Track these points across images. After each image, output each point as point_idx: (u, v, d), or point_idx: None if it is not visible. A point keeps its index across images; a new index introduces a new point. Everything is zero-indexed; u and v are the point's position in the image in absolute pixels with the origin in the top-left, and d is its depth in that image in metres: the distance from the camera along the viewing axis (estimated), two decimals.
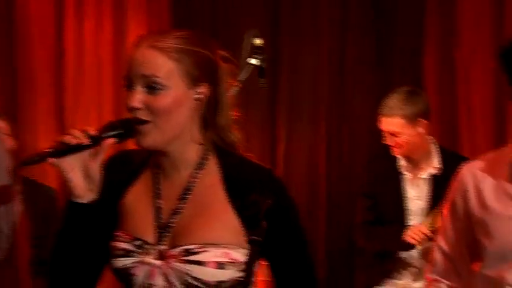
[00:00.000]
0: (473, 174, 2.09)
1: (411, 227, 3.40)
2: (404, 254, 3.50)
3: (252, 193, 1.70)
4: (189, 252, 1.68)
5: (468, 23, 4.32)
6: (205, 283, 1.66)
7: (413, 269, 3.51)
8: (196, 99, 1.74)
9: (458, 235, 2.14)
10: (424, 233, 3.33)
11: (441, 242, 2.21)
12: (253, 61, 3.12)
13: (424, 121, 3.47)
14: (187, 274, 1.67)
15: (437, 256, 2.22)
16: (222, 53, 1.79)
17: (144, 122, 1.69)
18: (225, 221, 1.70)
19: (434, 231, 3.23)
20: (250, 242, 1.69)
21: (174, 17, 4.39)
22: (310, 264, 1.84)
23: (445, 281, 2.20)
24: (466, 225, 2.09)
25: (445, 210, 2.19)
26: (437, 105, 4.17)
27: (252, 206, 1.69)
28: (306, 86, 4.65)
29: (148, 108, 1.69)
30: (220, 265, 1.66)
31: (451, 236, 2.16)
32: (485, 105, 4.25)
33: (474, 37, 4.29)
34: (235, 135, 1.80)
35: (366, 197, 3.61)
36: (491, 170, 2.06)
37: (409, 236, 3.37)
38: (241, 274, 1.69)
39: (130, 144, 1.77)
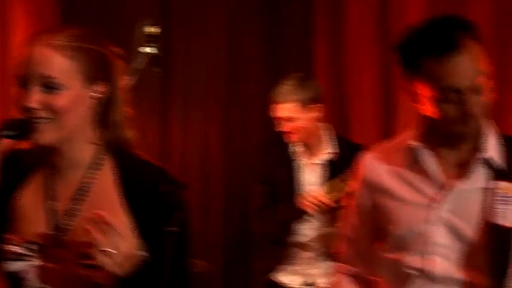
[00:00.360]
0: (372, 163, 2.14)
1: (306, 194, 3.43)
2: (300, 239, 3.54)
3: (161, 185, 1.68)
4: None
5: (355, 11, 4.40)
6: None
7: (309, 254, 3.55)
8: (93, 98, 1.71)
9: (363, 223, 2.18)
10: (320, 200, 3.36)
11: (347, 230, 2.25)
12: (148, 50, 3.07)
13: (317, 105, 3.52)
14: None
15: (343, 244, 2.26)
16: (116, 49, 1.78)
17: (42, 120, 1.65)
18: (120, 224, 1.65)
19: (333, 198, 3.30)
20: (166, 234, 1.65)
21: (62, 2, 4.26)
22: (189, 270, 1.81)
23: (353, 268, 2.24)
24: (370, 212, 2.14)
25: (348, 199, 2.23)
26: (328, 95, 4.22)
27: (165, 197, 1.66)
28: (199, 77, 4.63)
29: (46, 107, 1.65)
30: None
31: (356, 224, 2.20)
32: (373, 94, 4.35)
33: (361, 25, 4.36)
34: (130, 133, 1.78)
35: (262, 183, 3.62)
36: (388, 158, 2.11)
37: (305, 203, 3.40)
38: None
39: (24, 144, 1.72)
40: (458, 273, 1.97)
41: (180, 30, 4.56)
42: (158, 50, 3.06)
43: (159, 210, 1.65)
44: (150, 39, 3.05)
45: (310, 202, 3.37)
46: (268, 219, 3.57)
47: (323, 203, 3.35)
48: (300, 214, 3.43)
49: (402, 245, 2.03)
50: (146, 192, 1.68)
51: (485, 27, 4.06)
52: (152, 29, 3.05)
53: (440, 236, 1.99)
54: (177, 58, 4.56)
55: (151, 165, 1.76)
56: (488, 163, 2.00)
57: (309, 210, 3.38)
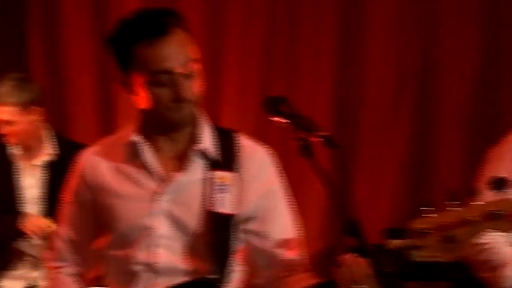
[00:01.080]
0: (91, 159, 2.12)
1: (30, 218, 3.38)
2: (21, 244, 3.46)
3: None
4: None
5: (70, 6, 4.38)
6: None
7: (31, 259, 3.49)
8: None
9: (82, 221, 2.14)
10: (42, 228, 3.33)
11: (64, 229, 2.19)
12: None
13: (37, 108, 3.44)
14: None
15: (60, 244, 2.19)
16: None
17: None
18: None
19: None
20: None
21: None
22: None
23: (70, 267, 2.19)
24: (90, 210, 2.11)
25: (67, 197, 2.18)
26: (46, 94, 4.15)
27: None
28: None
29: None
30: None
31: (75, 222, 2.16)
32: (92, 90, 4.37)
33: (77, 21, 4.38)
34: None
35: None
36: (108, 154, 2.11)
37: (28, 228, 3.35)
38: None
39: None
40: (182, 263, 2.03)
41: None
42: None
43: None
44: None
45: (32, 229, 3.35)
46: None
47: (44, 230, 3.32)
48: (20, 236, 3.38)
49: (127, 241, 2.04)
50: None
51: (197, 24, 4.28)
52: None
53: (163, 228, 2.03)
54: None
55: None
56: (204, 154, 2.07)
57: (31, 235, 3.36)
